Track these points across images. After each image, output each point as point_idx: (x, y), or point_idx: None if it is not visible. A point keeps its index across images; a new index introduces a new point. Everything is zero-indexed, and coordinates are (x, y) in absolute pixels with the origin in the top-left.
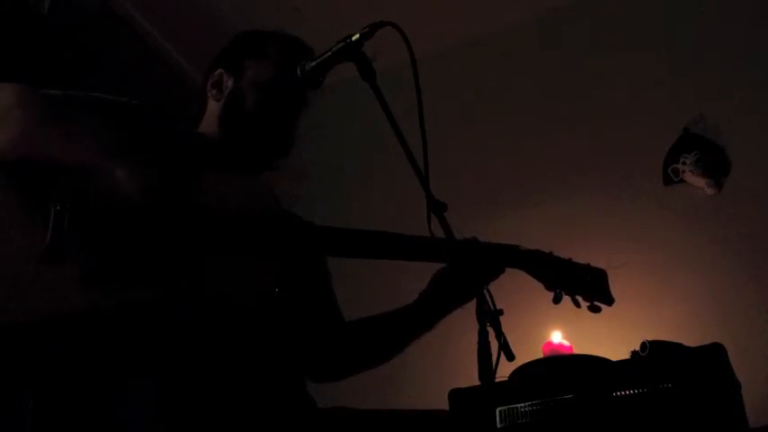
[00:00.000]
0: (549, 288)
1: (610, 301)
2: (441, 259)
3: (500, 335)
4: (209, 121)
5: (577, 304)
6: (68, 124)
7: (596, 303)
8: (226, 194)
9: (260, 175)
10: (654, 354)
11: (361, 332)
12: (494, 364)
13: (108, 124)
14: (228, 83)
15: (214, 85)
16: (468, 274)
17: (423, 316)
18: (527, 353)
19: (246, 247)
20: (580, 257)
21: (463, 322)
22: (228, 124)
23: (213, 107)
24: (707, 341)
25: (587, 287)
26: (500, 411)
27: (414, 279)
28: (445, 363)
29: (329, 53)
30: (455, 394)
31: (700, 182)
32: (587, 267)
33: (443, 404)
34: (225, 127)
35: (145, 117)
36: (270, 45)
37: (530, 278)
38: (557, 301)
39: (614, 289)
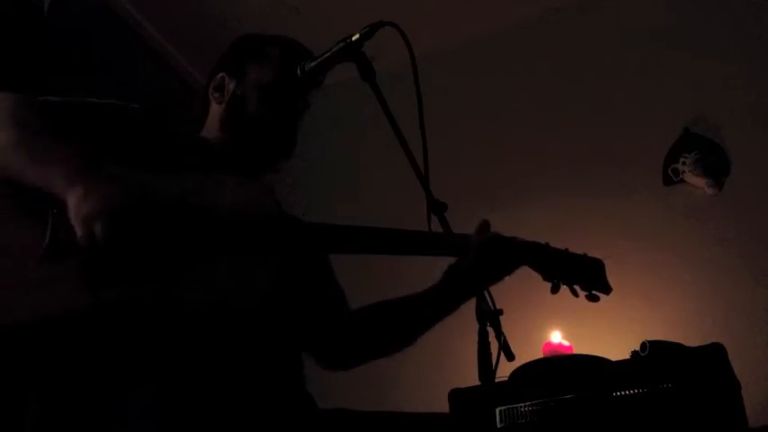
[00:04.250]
0: (546, 278)
1: (607, 289)
2: (449, 254)
3: (500, 335)
4: (212, 124)
5: (575, 294)
6: (39, 153)
7: (594, 292)
8: (227, 196)
9: (262, 177)
10: (654, 354)
11: (376, 317)
12: (494, 364)
13: (88, 145)
14: (230, 86)
15: (216, 88)
16: (488, 267)
17: (441, 302)
18: (527, 353)
19: (246, 247)
20: None
21: (463, 322)
22: (231, 127)
23: (215, 110)
24: (707, 341)
25: (585, 276)
26: (500, 411)
27: (415, 275)
28: (445, 363)
29: (329, 53)
30: (455, 394)
31: (700, 182)
32: (584, 257)
33: (443, 404)
34: (227, 130)
35: (144, 121)
36: (271, 49)
37: (530, 278)
38: (554, 290)
39: (614, 288)
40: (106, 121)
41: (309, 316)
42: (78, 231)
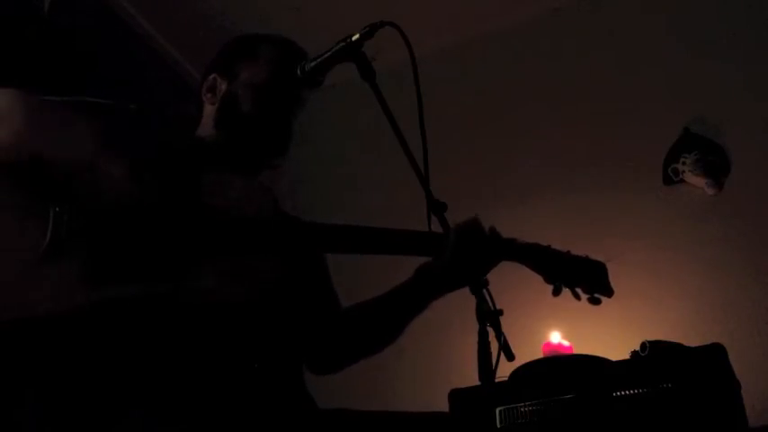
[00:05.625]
0: (548, 281)
1: (609, 292)
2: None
3: (500, 335)
4: (207, 124)
5: (577, 296)
6: (60, 127)
7: (596, 295)
8: (225, 195)
9: (258, 175)
10: (654, 354)
11: (355, 318)
12: (494, 364)
13: (100, 127)
14: (222, 86)
15: (209, 89)
16: (460, 267)
17: (411, 302)
18: (527, 353)
19: (245, 246)
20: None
21: (463, 322)
22: (225, 126)
23: (209, 110)
24: (707, 341)
25: (587, 279)
26: (500, 411)
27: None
28: (445, 363)
29: (329, 53)
30: (455, 394)
31: (700, 182)
32: (586, 259)
33: (443, 404)
34: (222, 129)
35: (141, 121)
36: (262, 47)
37: (529, 278)
38: (556, 293)
39: (614, 289)
40: (104, 121)
41: (304, 320)
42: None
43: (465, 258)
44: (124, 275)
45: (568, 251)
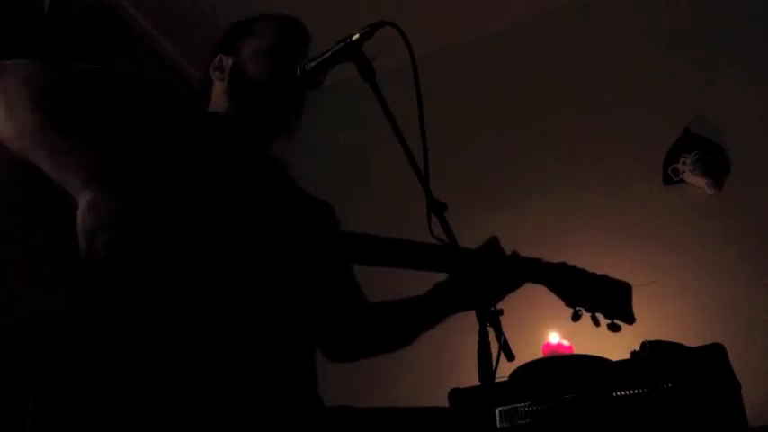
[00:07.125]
0: (568, 305)
1: (631, 319)
2: (457, 270)
3: (500, 335)
4: (218, 100)
5: (596, 323)
6: (57, 149)
7: (616, 322)
8: (260, 190)
9: (274, 142)
10: (654, 354)
11: (379, 315)
12: (494, 364)
13: (111, 121)
14: (229, 62)
15: (216, 68)
16: (484, 286)
17: (424, 315)
18: (527, 353)
19: (264, 250)
20: (579, 257)
21: (463, 322)
22: (237, 95)
23: (219, 86)
24: (707, 341)
25: (609, 304)
26: (500, 411)
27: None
28: (445, 363)
29: (329, 53)
30: (455, 394)
31: (700, 182)
32: (613, 282)
33: (443, 404)
34: (234, 99)
35: (162, 95)
36: (259, 24)
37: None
38: (575, 318)
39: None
40: (130, 95)
41: (325, 308)
42: (81, 244)
43: (483, 280)
44: (130, 279)
45: (593, 272)
